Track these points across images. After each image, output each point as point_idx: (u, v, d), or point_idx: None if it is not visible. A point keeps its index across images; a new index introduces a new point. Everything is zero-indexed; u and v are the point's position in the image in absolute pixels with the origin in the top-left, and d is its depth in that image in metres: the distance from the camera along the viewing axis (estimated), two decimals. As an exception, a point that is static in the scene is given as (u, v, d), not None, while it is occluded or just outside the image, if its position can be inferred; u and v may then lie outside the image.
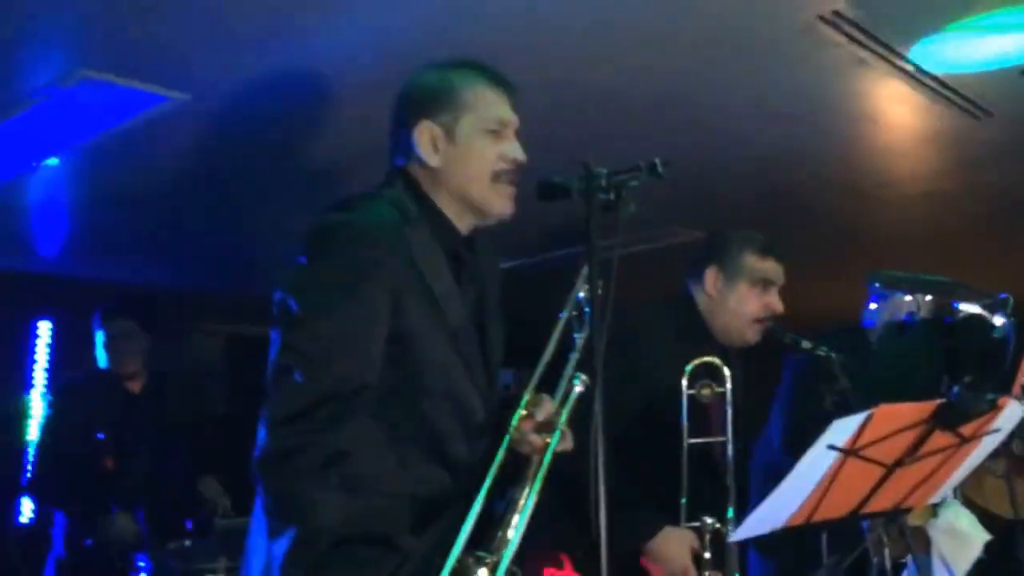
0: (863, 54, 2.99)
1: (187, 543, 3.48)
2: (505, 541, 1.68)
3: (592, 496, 1.58)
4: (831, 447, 1.80)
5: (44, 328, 5.65)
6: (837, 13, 2.71)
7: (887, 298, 3.21)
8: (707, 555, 2.42)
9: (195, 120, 3.28)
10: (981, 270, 5.78)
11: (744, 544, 2.68)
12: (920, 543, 2.67)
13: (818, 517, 1.94)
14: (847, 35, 2.86)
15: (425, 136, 1.89)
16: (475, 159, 1.89)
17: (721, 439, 2.50)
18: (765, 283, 2.72)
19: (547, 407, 1.84)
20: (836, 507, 1.97)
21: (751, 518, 1.87)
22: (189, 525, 3.57)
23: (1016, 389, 2.77)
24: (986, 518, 3.02)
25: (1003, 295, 2.85)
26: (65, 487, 3.69)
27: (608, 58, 2.99)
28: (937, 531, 2.69)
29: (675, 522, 2.47)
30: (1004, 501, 3.49)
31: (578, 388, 1.85)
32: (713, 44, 2.92)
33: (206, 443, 3.93)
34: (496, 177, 1.90)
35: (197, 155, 3.63)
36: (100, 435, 3.48)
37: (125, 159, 3.62)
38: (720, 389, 2.51)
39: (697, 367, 2.52)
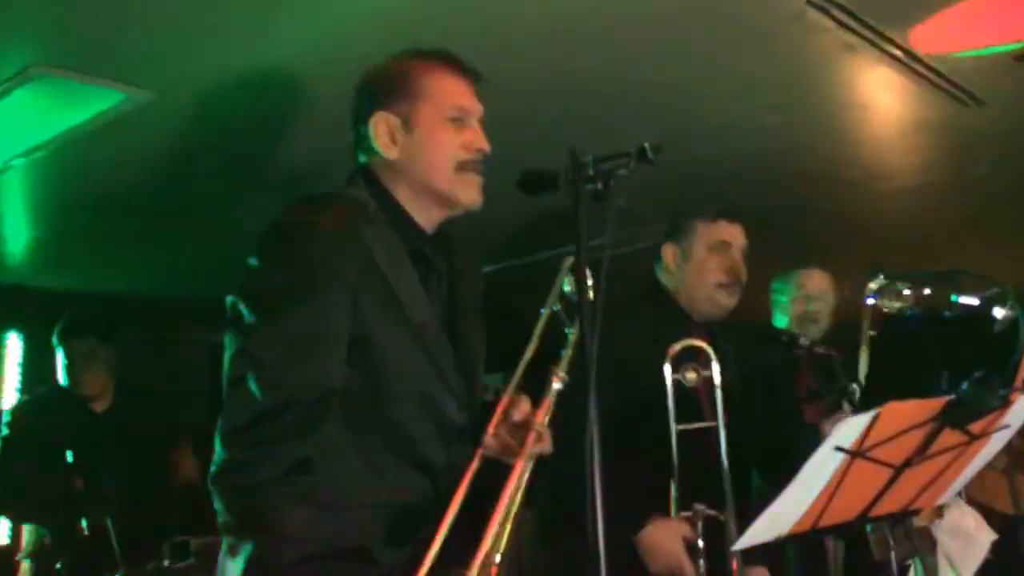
0: (852, 40, 2.94)
1: (165, 563, 3.37)
2: (484, 555, 1.56)
3: (589, 500, 1.46)
4: (838, 448, 1.70)
5: (13, 341, 5.48)
6: (826, -3, 2.65)
7: (885, 293, 3.14)
8: (701, 543, 2.32)
9: (161, 119, 3.17)
10: (973, 262, 5.73)
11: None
12: (926, 544, 2.60)
13: (824, 523, 1.85)
14: (836, 20, 2.81)
15: (381, 127, 1.79)
16: (435, 148, 1.78)
17: (711, 424, 2.39)
18: (721, 246, 2.66)
19: (523, 407, 1.75)
20: (843, 511, 1.87)
21: (755, 525, 1.76)
22: None
23: (1019, 383, 2.69)
24: (987, 514, 2.95)
25: (1002, 286, 2.77)
26: (38, 503, 3.55)
27: (594, 47, 2.92)
28: (942, 532, 2.63)
29: (668, 512, 2.37)
30: (1005, 497, 3.44)
31: (556, 386, 1.75)
32: (701, 32, 2.86)
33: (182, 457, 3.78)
34: (461, 167, 1.79)
35: (166, 155, 3.53)
36: (69, 457, 3.33)
37: (91, 161, 3.52)
38: (707, 372, 2.41)
39: (681, 351, 2.43)
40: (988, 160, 4.14)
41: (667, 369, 2.40)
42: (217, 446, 1.56)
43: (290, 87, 3.01)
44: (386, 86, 1.81)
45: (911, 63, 3.11)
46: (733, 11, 2.73)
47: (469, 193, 1.80)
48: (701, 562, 2.32)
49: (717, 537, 2.34)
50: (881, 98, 3.48)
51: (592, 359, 1.45)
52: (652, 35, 2.87)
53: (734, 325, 2.74)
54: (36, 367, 5.37)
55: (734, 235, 2.69)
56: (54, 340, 3.75)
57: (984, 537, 2.67)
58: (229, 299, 1.64)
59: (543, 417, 1.72)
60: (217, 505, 1.56)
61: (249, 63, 2.84)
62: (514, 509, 1.64)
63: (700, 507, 2.34)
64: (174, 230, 4.51)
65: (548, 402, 1.73)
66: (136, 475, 3.58)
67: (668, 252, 2.70)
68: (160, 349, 4.09)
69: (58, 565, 3.49)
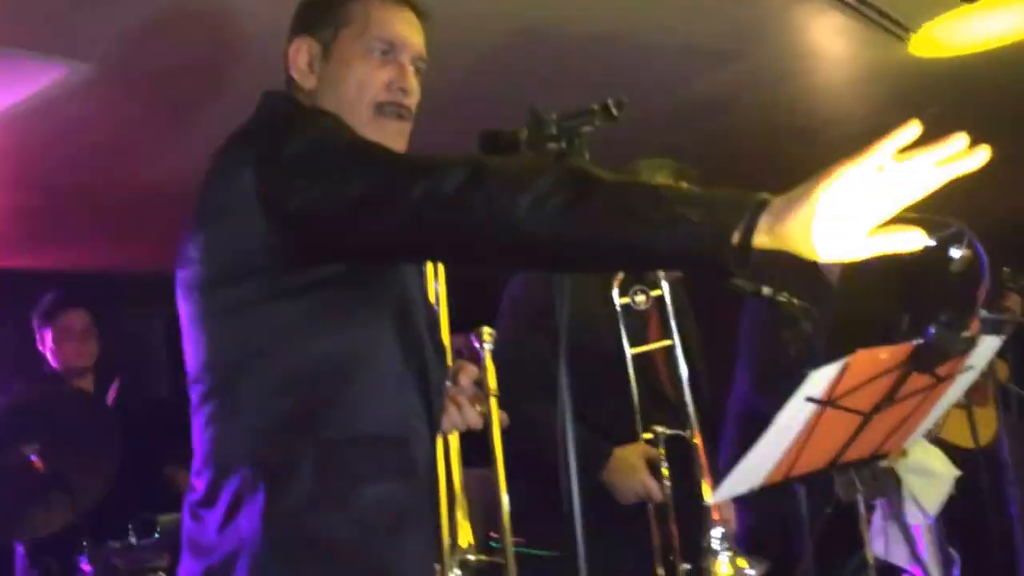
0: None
1: (132, 540, 3.32)
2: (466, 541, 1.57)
3: (561, 459, 1.44)
4: (809, 399, 1.70)
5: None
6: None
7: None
8: (665, 464, 2.34)
9: (103, 89, 3.08)
10: (930, 202, 5.80)
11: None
12: (892, 484, 2.65)
13: (797, 471, 1.86)
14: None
15: (301, 53, 1.61)
16: (351, 83, 1.59)
17: (668, 343, 2.38)
18: None
19: (471, 371, 1.74)
20: (814, 460, 1.89)
21: (730, 478, 1.78)
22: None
23: (977, 323, 2.73)
24: (949, 451, 3.01)
25: (958, 227, 2.80)
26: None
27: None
28: (907, 471, 2.68)
29: (632, 437, 2.38)
30: (965, 432, 3.50)
31: (488, 345, 1.78)
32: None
33: (159, 431, 3.73)
34: (379, 109, 1.59)
35: (111, 129, 3.42)
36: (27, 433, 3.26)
37: (35, 137, 3.41)
38: (657, 292, 2.40)
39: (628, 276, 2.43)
40: (937, 100, 4.17)
41: (615, 294, 2.39)
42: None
43: (222, 37, 2.89)
44: (314, 10, 1.64)
45: (859, 6, 3.11)
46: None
47: (387, 140, 1.54)
48: (667, 482, 2.34)
49: (683, 457, 2.35)
50: (831, 44, 3.49)
51: (563, 320, 1.43)
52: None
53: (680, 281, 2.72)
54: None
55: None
56: (39, 317, 3.69)
57: (948, 474, 2.72)
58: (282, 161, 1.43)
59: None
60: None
61: (176, 18, 2.73)
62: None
63: (660, 429, 2.35)
64: (126, 204, 4.42)
65: (488, 363, 1.77)
66: (127, 456, 3.54)
67: None
68: (114, 325, 4.02)
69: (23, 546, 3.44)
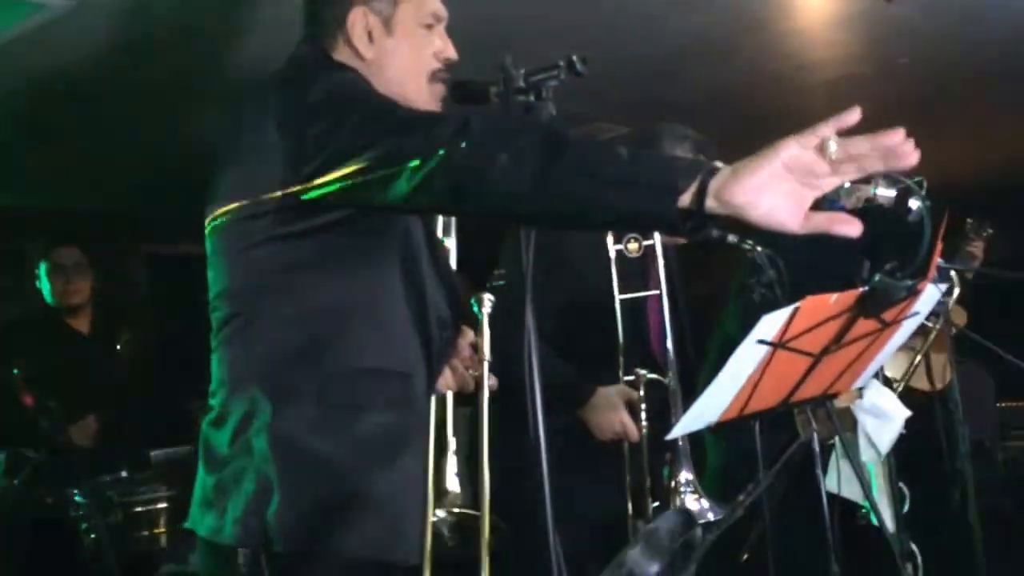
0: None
1: (123, 474, 3.42)
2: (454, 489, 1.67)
3: (528, 401, 1.53)
4: (760, 341, 1.80)
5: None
6: None
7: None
8: (643, 405, 2.45)
9: (85, 27, 3.09)
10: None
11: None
12: (847, 424, 2.76)
13: (749, 410, 1.96)
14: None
15: (359, 25, 1.73)
16: (414, 54, 1.76)
17: (655, 292, 2.51)
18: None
19: (468, 335, 1.84)
20: (767, 399, 1.99)
21: (686, 416, 1.88)
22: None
23: (931, 272, 2.83)
24: (906, 394, 3.13)
25: (916, 179, 2.88)
26: None
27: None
28: (861, 411, 2.78)
29: (615, 378, 2.50)
30: (922, 377, 3.63)
31: (486, 311, 1.83)
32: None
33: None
34: (432, 76, 1.77)
35: (88, 66, 3.43)
36: (15, 371, 3.34)
37: (16, 74, 3.41)
38: (649, 242, 2.51)
39: None
40: (908, 52, 4.24)
41: (609, 240, 2.50)
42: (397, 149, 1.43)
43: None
44: None
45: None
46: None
47: (434, 105, 1.77)
48: (644, 423, 2.45)
49: (661, 401, 2.47)
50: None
51: (529, 269, 1.51)
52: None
53: None
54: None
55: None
56: (36, 252, 3.74)
57: (899, 415, 2.84)
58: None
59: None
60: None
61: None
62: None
63: (642, 371, 2.47)
64: (106, 142, 4.44)
65: (486, 330, 1.83)
66: (120, 393, 3.64)
67: None
68: (95, 261, 4.07)
69: (16, 481, 3.54)
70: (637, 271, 2.61)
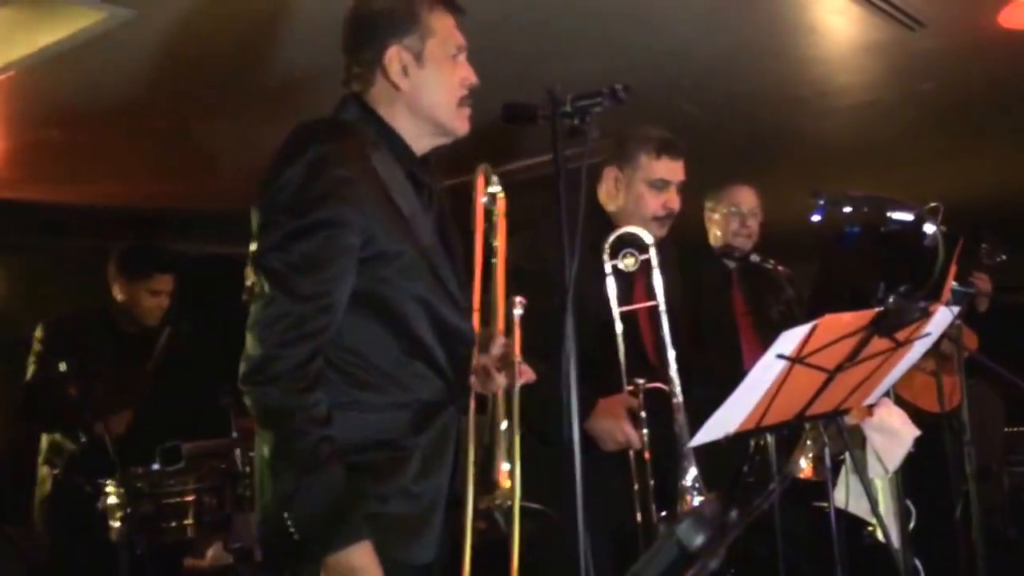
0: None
1: (155, 467, 3.53)
2: (506, 482, 1.79)
3: (564, 404, 1.66)
4: (780, 356, 1.91)
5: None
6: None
7: (829, 212, 3.34)
8: (643, 414, 2.54)
9: (142, 36, 3.20)
10: (917, 178, 5.96)
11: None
12: (856, 440, 2.85)
13: (766, 422, 2.07)
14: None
15: (396, 62, 1.91)
16: (444, 85, 1.94)
17: (652, 304, 2.61)
18: (662, 184, 2.80)
19: (499, 341, 1.96)
20: (783, 412, 2.09)
21: (706, 426, 1.98)
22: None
23: (945, 295, 2.93)
24: (916, 414, 3.22)
25: (932, 204, 2.98)
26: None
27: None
28: (871, 429, 2.87)
29: (616, 389, 2.59)
30: (932, 397, 3.71)
31: (518, 312, 1.95)
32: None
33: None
34: (461, 102, 1.96)
35: (147, 71, 3.54)
36: (62, 367, 3.47)
37: (72, 76, 3.53)
38: (644, 256, 2.62)
39: (618, 239, 2.64)
40: (931, 78, 4.31)
41: (606, 256, 2.61)
42: (249, 344, 1.72)
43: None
44: (392, 20, 1.92)
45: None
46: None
47: (464, 125, 1.98)
48: (645, 431, 2.54)
49: (663, 408, 2.56)
50: (828, 20, 3.60)
51: (571, 274, 1.64)
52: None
53: (671, 242, 2.89)
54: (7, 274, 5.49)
55: (675, 172, 2.81)
56: (131, 271, 3.88)
57: (908, 433, 2.92)
58: (256, 214, 1.80)
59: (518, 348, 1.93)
60: (247, 400, 1.74)
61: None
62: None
63: (641, 381, 2.57)
64: (153, 145, 4.56)
65: (517, 331, 1.95)
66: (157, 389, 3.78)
67: (610, 175, 2.82)
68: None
69: (56, 471, 3.68)
70: (632, 284, 2.71)
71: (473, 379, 1.95)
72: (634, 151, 2.80)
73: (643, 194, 2.78)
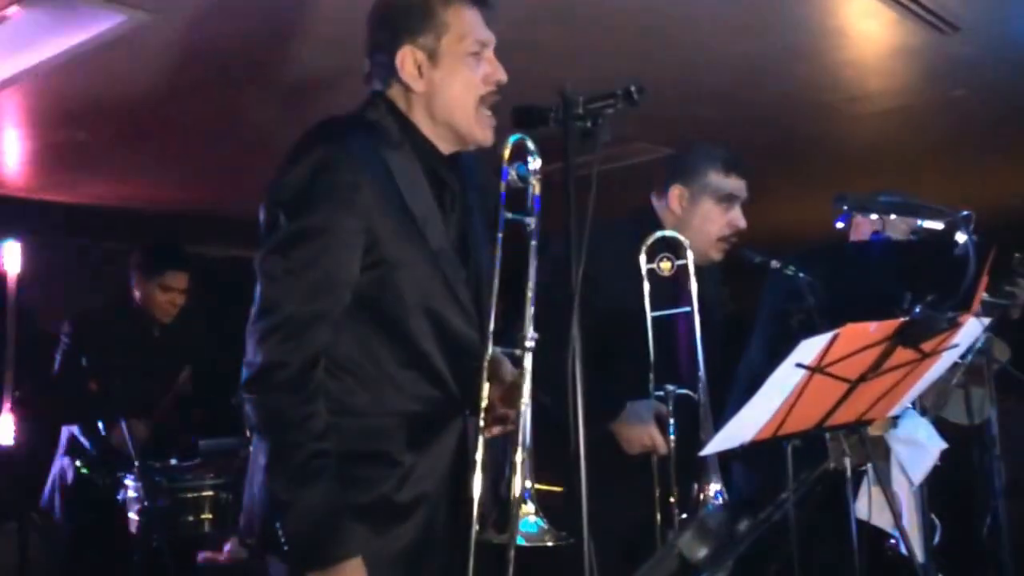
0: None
1: (172, 462, 3.55)
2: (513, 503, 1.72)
3: (570, 408, 1.62)
4: (799, 365, 1.86)
5: (11, 248, 5.55)
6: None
7: (854, 218, 3.27)
8: (672, 420, 2.50)
9: (159, 39, 3.22)
10: (948, 184, 5.87)
11: (730, 455, 2.75)
12: (880, 452, 2.78)
13: (784, 431, 2.02)
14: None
15: (409, 62, 1.86)
16: (460, 84, 1.87)
17: (686, 309, 2.55)
18: (730, 199, 2.75)
19: (506, 369, 1.86)
20: (801, 421, 2.04)
21: (720, 433, 1.93)
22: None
23: (976, 306, 2.85)
24: (943, 427, 3.15)
25: (964, 212, 2.91)
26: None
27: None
28: (896, 440, 2.81)
29: (645, 394, 2.54)
30: (960, 410, 3.64)
31: (529, 345, 1.78)
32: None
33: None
34: (482, 100, 1.88)
35: (166, 73, 3.56)
36: (83, 361, 3.50)
37: (90, 78, 3.55)
38: (681, 261, 2.56)
39: (655, 243, 2.59)
40: (964, 84, 4.24)
41: (643, 259, 2.56)
42: (249, 349, 1.71)
43: (289, 2, 3.05)
44: (409, 18, 1.86)
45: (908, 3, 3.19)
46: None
47: (485, 133, 1.90)
48: (672, 436, 2.49)
49: (691, 416, 2.51)
50: (859, 24, 3.55)
51: (577, 279, 1.60)
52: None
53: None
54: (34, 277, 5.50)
55: (743, 190, 2.77)
56: (146, 267, 3.92)
57: (934, 446, 2.85)
58: (263, 214, 1.77)
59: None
60: (247, 407, 1.72)
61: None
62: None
63: (671, 387, 2.52)
64: (173, 145, 4.59)
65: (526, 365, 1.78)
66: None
67: (675, 193, 2.75)
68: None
69: (77, 463, 3.70)
70: (669, 290, 2.64)
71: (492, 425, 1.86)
72: (701, 167, 2.75)
73: (711, 210, 2.73)
